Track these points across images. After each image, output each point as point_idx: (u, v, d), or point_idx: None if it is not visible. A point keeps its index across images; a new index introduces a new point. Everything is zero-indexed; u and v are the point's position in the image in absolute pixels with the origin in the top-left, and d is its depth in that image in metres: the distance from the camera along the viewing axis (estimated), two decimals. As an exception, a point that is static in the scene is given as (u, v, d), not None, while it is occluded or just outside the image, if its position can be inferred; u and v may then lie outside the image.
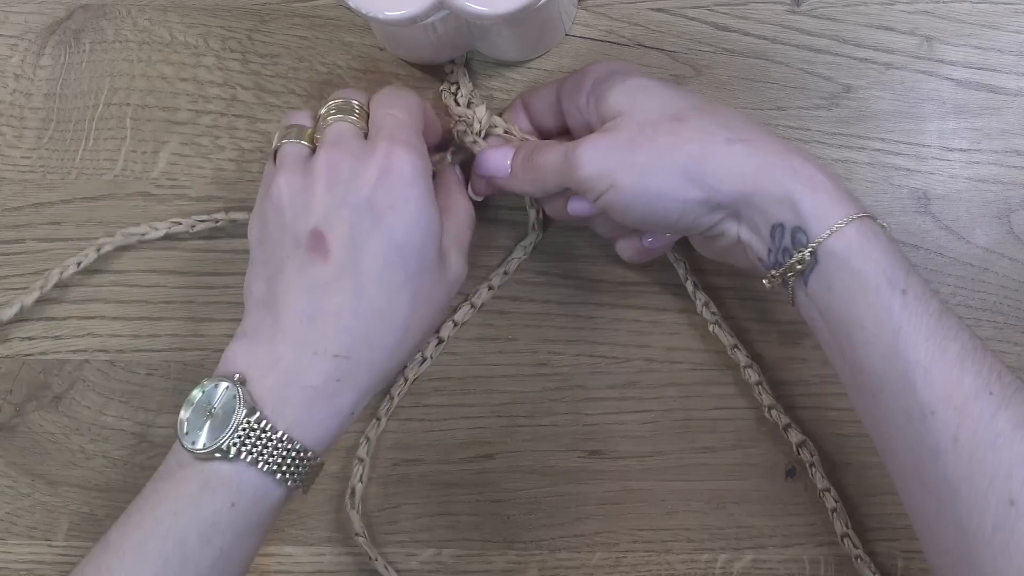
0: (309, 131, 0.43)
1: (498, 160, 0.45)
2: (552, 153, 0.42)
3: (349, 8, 0.41)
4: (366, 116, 0.43)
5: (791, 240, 0.39)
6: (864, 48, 0.50)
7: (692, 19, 0.50)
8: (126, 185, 0.50)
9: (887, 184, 0.49)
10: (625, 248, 0.46)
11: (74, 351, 0.50)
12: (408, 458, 0.49)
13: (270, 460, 0.38)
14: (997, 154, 0.49)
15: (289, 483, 0.38)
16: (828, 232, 0.38)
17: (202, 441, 0.38)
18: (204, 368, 0.50)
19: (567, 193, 0.44)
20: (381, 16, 0.40)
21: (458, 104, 0.48)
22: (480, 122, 0.47)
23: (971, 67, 0.50)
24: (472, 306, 0.49)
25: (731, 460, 0.49)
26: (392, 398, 0.49)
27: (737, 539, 0.49)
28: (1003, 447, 0.34)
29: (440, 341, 0.49)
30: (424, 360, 0.49)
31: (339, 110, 0.42)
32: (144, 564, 0.37)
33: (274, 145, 0.43)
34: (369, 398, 0.41)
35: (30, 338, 0.50)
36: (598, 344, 0.50)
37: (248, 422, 0.37)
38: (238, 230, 0.49)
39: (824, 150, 0.49)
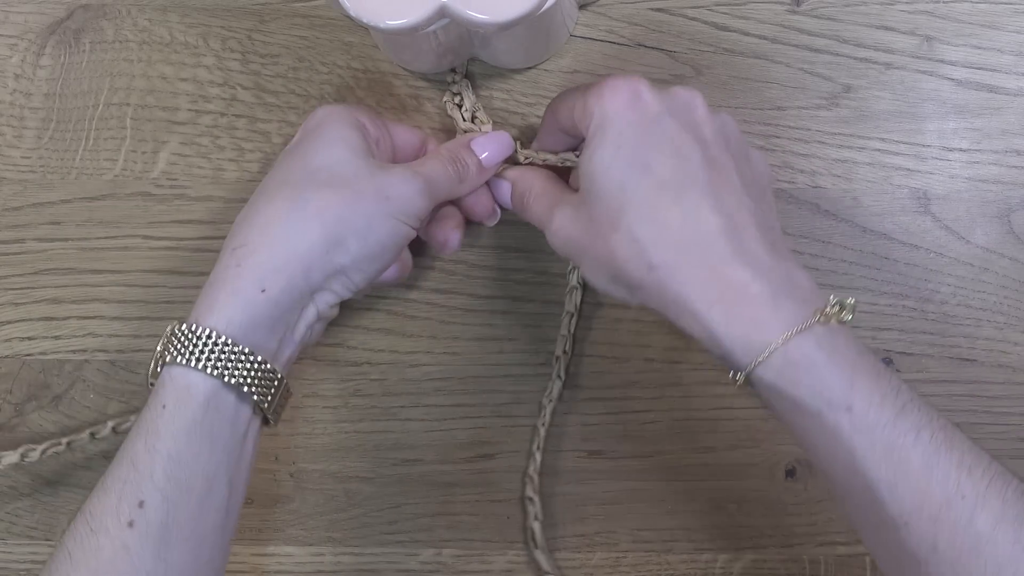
0: None
1: (501, 193, 0.47)
2: (533, 217, 0.44)
3: (350, 18, 0.41)
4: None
5: (721, 359, 0.38)
6: (864, 48, 0.50)
7: (692, 19, 0.50)
8: (126, 185, 0.50)
9: (887, 184, 0.49)
10: None
11: (74, 351, 0.50)
12: (408, 458, 0.49)
13: (185, 352, 0.38)
14: (997, 154, 0.49)
15: (213, 372, 0.38)
16: (753, 364, 0.36)
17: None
18: (204, 368, 0.50)
19: None
20: (382, 25, 0.40)
21: (463, 119, 0.48)
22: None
23: (971, 67, 0.50)
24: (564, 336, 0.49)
25: (731, 460, 0.49)
26: (538, 430, 0.48)
27: (737, 539, 0.49)
28: (985, 549, 0.33)
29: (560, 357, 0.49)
30: (555, 381, 0.49)
31: None
32: (110, 493, 0.37)
33: None
34: (288, 280, 0.40)
35: (30, 338, 0.50)
36: (598, 344, 0.50)
37: (172, 330, 0.39)
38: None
39: (824, 150, 0.49)
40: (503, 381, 0.50)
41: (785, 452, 0.49)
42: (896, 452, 0.35)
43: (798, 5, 0.50)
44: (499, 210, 0.48)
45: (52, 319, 0.50)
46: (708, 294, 0.37)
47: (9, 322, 0.50)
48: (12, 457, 0.47)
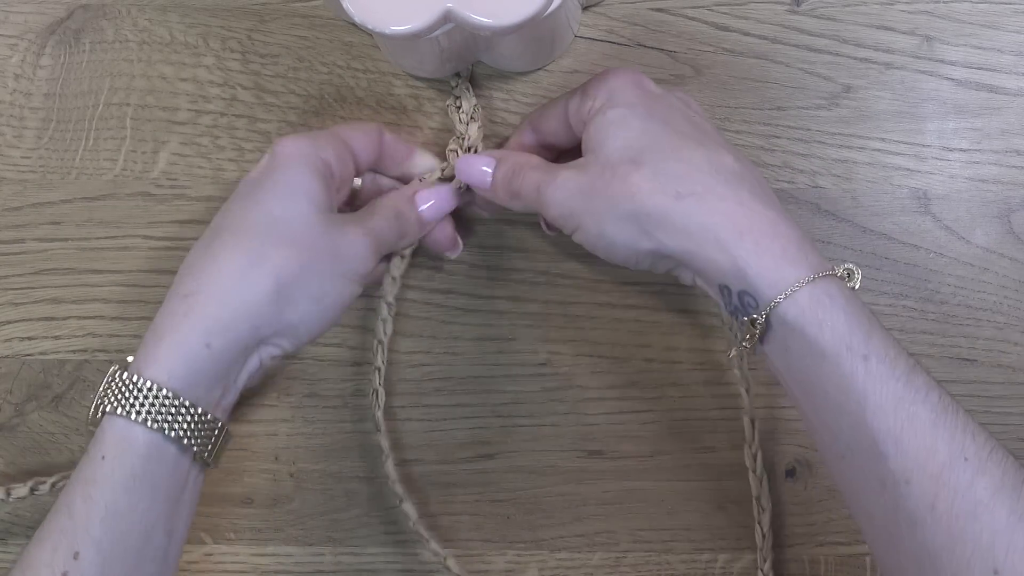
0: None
1: (478, 168, 0.45)
2: (529, 182, 0.43)
3: (354, 24, 0.41)
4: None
5: (739, 301, 0.38)
6: (864, 48, 0.50)
7: (692, 19, 0.50)
8: (126, 185, 0.50)
9: (887, 184, 0.49)
10: None
11: (74, 351, 0.50)
12: (408, 458, 0.49)
13: (125, 403, 0.38)
14: (997, 154, 0.49)
15: (153, 425, 0.38)
16: (779, 298, 0.36)
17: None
18: (204, 368, 0.50)
19: None
20: (387, 31, 0.40)
21: (461, 120, 0.48)
22: (471, 138, 0.48)
23: (971, 67, 0.50)
24: None
25: (731, 460, 0.49)
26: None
27: (737, 539, 0.49)
28: (983, 515, 0.34)
29: None
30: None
31: None
32: (45, 543, 0.37)
33: None
34: (236, 337, 0.39)
35: (30, 338, 0.50)
36: (598, 344, 0.50)
37: (111, 378, 0.39)
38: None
39: (824, 150, 0.49)
40: (503, 381, 0.50)
41: (785, 452, 0.49)
42: (905, 406, 0.35)
43: (798, 5, 0.50)
44: (460, 242, 0.48)
45: (52, 319, 0.50)
46: (737, 224, 0.38)
47: (9, 322, 0.50)
48: (21, 491, 0.47)
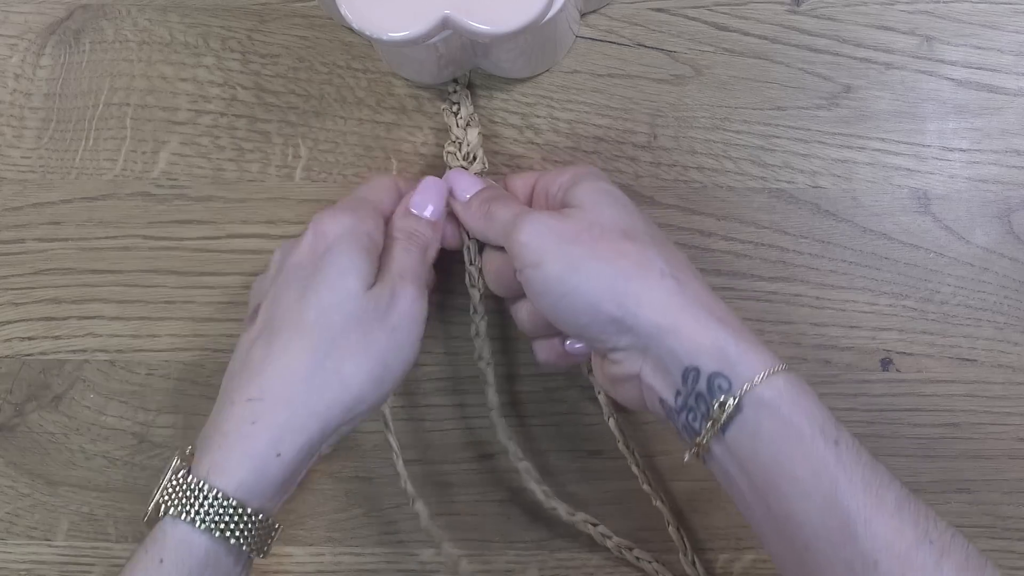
0: None
1: (464, 184, 0.46)
2: (506, 209, 0.43)
3: (352, 30, 0.41)
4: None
5: (707, 386, 0.37)
6: (864, 48, 0.50)
7: (692, 19, 0.50)
8: (126, 185, 0.50)
9: (887, 184, 0.49)
10: (542, 349, 0.46)
11: (74, 351, 0.50)
12: (408, 458, 0.49)
13: (190, 509, 0.38)
14: (997, 154, 0.49)
15: (216, 534, 0.38)
16: (758, 379, 0.37)
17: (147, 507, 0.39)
18: (204, 368, 0.50)
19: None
20: (385, 37, 0.40)
21: (457, 126, 0.48)
22: (469, 144, 0.48)
23: (971, 67, 0.50)
24: None
25: (731, 460, 0.49)
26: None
27: (737, 539, 0.49)
28: None
29: None
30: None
31: None
32: None
33: None
34: (306, 440, 0.40)
35: (30, 338, 0.50)
36: (598, 344, 0.49)
37: (175, 477, 0.39)
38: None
39: (824, 150, 0.49)
40: (503, 381, 0.50)
41: (785, 452, 0.49)
42: (873, 489, 0.36)
43: (798, 5, 0.50)
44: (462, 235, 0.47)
45: (52, 319, 0.50)
46: (715, 312, 0.39)
47: (9, 322, 0.50)
48: None
